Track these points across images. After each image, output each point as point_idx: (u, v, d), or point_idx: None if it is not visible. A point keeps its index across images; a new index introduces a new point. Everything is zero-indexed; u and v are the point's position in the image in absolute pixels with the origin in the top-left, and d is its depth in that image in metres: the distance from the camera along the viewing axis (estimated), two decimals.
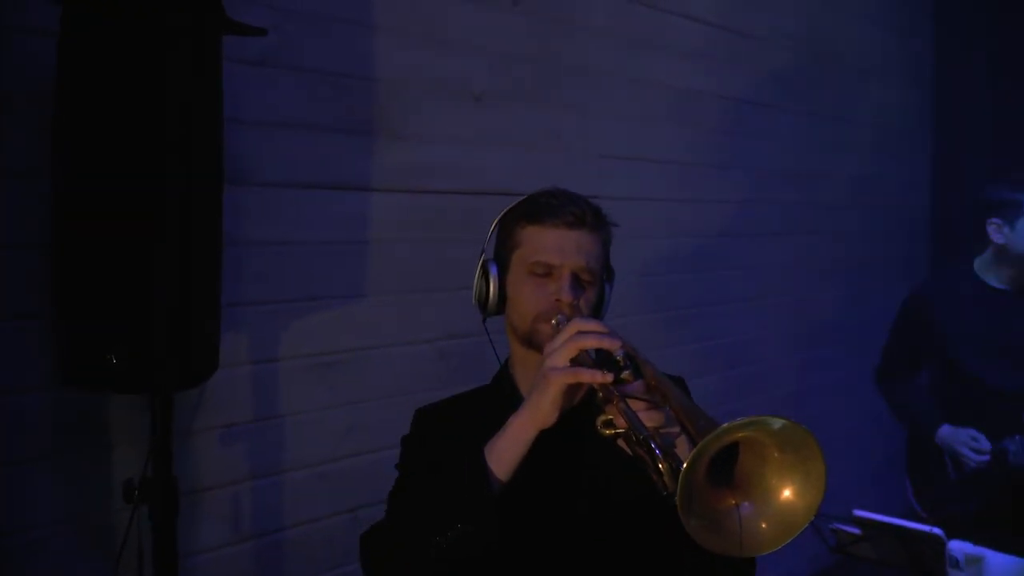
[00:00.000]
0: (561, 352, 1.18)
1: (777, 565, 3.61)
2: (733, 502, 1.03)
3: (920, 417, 2.78)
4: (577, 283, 1.35)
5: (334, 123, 2.17)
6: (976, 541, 2.06)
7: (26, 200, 1.61)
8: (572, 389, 1.18)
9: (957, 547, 1.79)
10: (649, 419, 1.11)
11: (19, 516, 1.67)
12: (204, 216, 1.55)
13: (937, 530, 1.82)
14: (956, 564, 1.78)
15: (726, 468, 1.06)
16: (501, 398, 1.41)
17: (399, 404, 2.27)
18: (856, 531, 1.96)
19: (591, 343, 1.18)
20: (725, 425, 0.96)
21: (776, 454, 1.02)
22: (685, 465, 0.96)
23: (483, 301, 1.41)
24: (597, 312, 1.42)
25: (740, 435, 1.01)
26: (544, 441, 1.20)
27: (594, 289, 1.39)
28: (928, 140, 4.84)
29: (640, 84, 3.06)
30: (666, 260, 3.22)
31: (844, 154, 4.15)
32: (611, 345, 1.17)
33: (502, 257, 1.43)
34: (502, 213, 1.44)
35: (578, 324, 1.21)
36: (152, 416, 1.57)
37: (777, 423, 0.99)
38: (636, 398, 1.13)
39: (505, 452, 1.19)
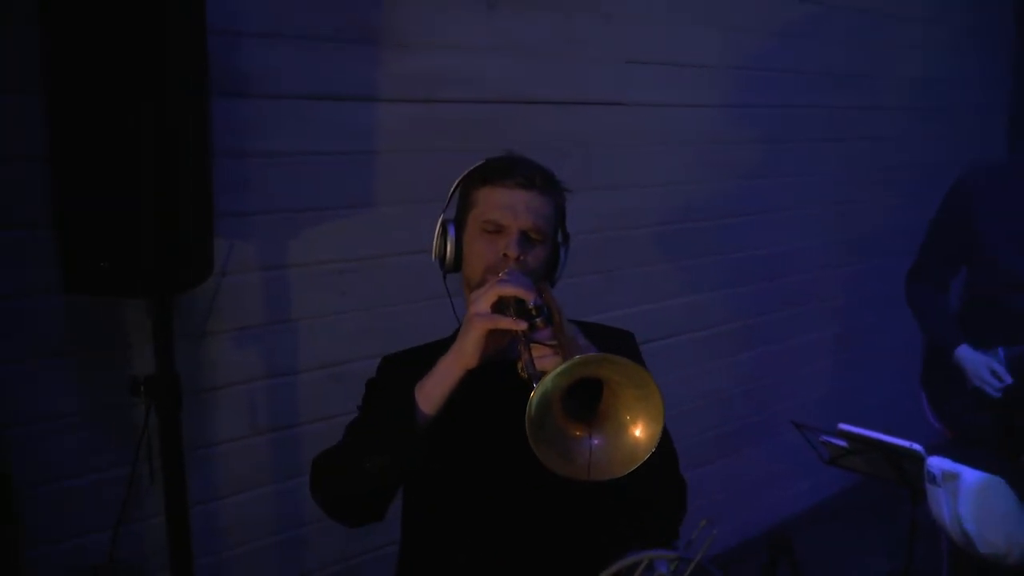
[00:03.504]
0: (483, 299, 1.28)
1: (784, 490, 3.66)
2: (586, 434, 1.16)
3: (940, 330, 2.69)
4: (526, 240, 1.44)
5: (336, 33, 2.19)
6: (990, 453, 2.03)
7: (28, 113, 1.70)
8: (493, 335, 1.26)
9: (935, 463, 1.78)
10: (547, 363, 1.19)
11: (39, 408, 1.84)
12: (189, 126, 1.61)
13: (917, 446, 1.81)
14: (933, 480, 1.77)
15: (591, 407, 1.18)
16: None
17: (410, 311, 2.37)
18: (843, 444, 1.97)
19: (508, 291, 1.27)
20: (567, 363, 1.08)
21: (630, 391, 1.13)
22: (533, 393, 1.07)
23: (441, 258, 1.51)
24: (551, 271, 1.52)
25: (584, 372, 1.12)
26: (477, 385, 1.30)
27: (544, 248, 1.47)
28: (1012, 34, 4.51)
29: None
30: (697, 168, 3.17)
31: (902, 53, 3.93)
32: (525, 295, 1.26)
33: (460, 217, 1.53)
34: (461, 176, 1.53)
35: (501, 275, 1.32)
36: (153, 319, 1.69)
37: (617, 360, 1.11)
38: (541, 343, 1.22)
39: (433, 389, 1.30)
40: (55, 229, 1.57)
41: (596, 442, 1.15)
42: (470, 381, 1.30)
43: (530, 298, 1.25)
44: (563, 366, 1.07)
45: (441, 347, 1.53)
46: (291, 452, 2.22)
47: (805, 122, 3.55)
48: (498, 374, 1.33)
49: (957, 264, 2.77)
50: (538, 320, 1.24)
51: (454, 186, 1.55)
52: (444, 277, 1.54)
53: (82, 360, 1.88)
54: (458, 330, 1.55)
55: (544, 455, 1.10)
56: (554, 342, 1.22)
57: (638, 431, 1.14)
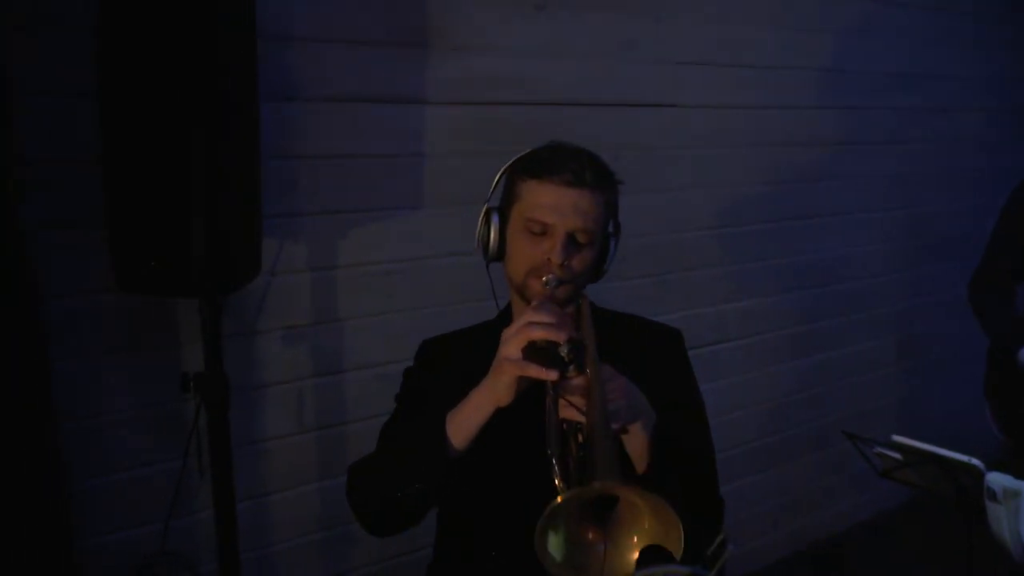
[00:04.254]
0: (512, 342, 1.22)
1: (837, 503, 3.55)
2: (600, 539, 1.06)
3: (1003, 329, 2.57)
4: (572, 243, 1.37)
5: (387, 36, 2.21)
6: None
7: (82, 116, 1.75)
8: (524, 378, 1.22)
9: (995, 479, 1.70)
10: (571, 413, 1.18)
11: (96, 402, 1.90)
12: (238, 129, 1.65)
13: (975, 460, 1.74)
14: (993, 496, 1.70)
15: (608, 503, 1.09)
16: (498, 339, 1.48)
17: (456, 312, 2.36)
18: (897, 456, 1.90)
19: (537, 334, 1.21)
20: (596, 485, 1.00)
21: (647, 522, 1.03)
22: (557, 500, 0.99)
23: (485, 246, 1.46)
24: (597, 272, 1.45)
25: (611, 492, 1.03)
26: (509, 409, 1.26)
27: (591, 250, 1.40)
28: None
29: None
30: (751, 171, 3.11)
31: (971, 53, 3.79)
32: (557, 336, 1.20)
33: (504, 207, 1.46)
34: (508, 163, 1.46)
35: (530, 315, 1.24)
36: (202, 317, 1.72)
37: (650, 499, 1.00)
38: (569, 398, 1.18)
39: (463, 423, 1.27)
40: (108, 230, 1.62)
41: (608, 551, 1.05)
42: (507, 409, 1.27)
43: (562, 338, 1.20)
44: (576, 490, 1.01)
45: (481, 332, 1.53)
46: (337, 450, 2.25)
47: (866, 124, 3.46)
48: (530, 389, 1.29)
49: (1022, 274, 2.66)
50: (571, 369, 1.19)
51: (499, 174, 1.48)
52: (487, 265, 1.49)
53: (137, 357, 1.94)
54: (500, 315, 1.55)
55: (550, 563, 1.01)
56: (579, 398, 1.18)
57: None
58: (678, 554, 1.00)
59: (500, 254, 1.45)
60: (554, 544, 1.02)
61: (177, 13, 1.52)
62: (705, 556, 1.10)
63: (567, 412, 1.18)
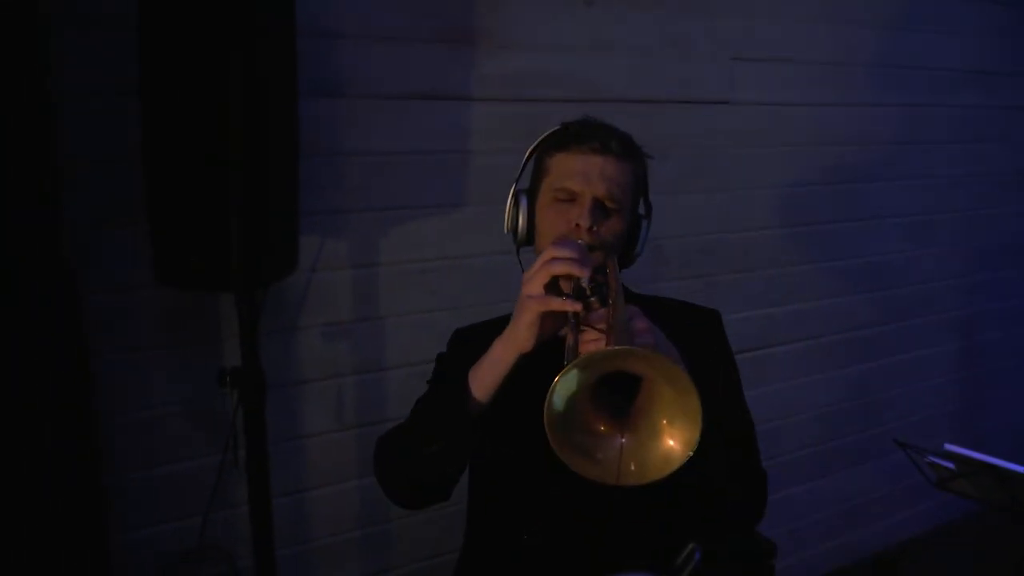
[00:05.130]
0: (535, 279, 1.19)
1: (892, 514, 3.43)
2: (617, 432, 1.05)
3: None
4: (601, 209, 1.34)
5: (432, 34, 2.19)
6: None
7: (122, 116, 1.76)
8: (549, 316, 1.17)
9: None
10: (593, 348, 1.11)
11: (137, 397, 1.92)
12: (277, 125, 1.64)
13: None
14: None
15: (628, 402, 1.07)
16: None
17: (498, 311, 2.33)
18: (951, 466, 1.82)
19: (559, 269, 1.18)
20: (582, 357, 1.00)
21: (665, 389, 1.02)
22: (552, 386, 0.97)
23: (514, 230, 1.43)
24: (631, 244, 1.42)
25: (609, 366, 1.02)
26: (536, 364, 1.21)
27: (621, 218, 1.37)
28: None
29: None
30: (807, 171, 3.01)
31: None
32: (580, 271, 1.17)
33: (533, 187, 1.44)
34: (535, 142, 1.44)
35: (552, 251, 1.20)
36: (239, 312, 1.73)
37: (643, 354, 1.00)
38: (591, 327, 1.12)
39: (486, 375, 1.23)
40: (148, 225, 1.62)
41: (626, 442, 1.04)
42: (528, 361, 1.21)
43: (585, 274, 1.15)
44: (579, 359, 0.99)
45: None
46: None
47: (930, 122, 3.33)
48: (558, 353, 1.24)
49: None
50: (592, 300, 1.14)
51: (528, 153, 1.46)
52: (517, 251, 1.46)
53: (179, 352, 1.95)
54: None
55: (566, 454, 1.01)
56: (603, 325, 1.12)
57: (673, 434, 1.02)
58: (697, 420, 1.00)
59: (530, 238, 1.42)
60: (569, 430, 1.02)
61: (215, 8, 1.52)
62: (674, 565, 1.07)
63: (590, 347, 1.11)
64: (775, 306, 3.01)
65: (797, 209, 3.01)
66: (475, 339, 1.47)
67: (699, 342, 1.41)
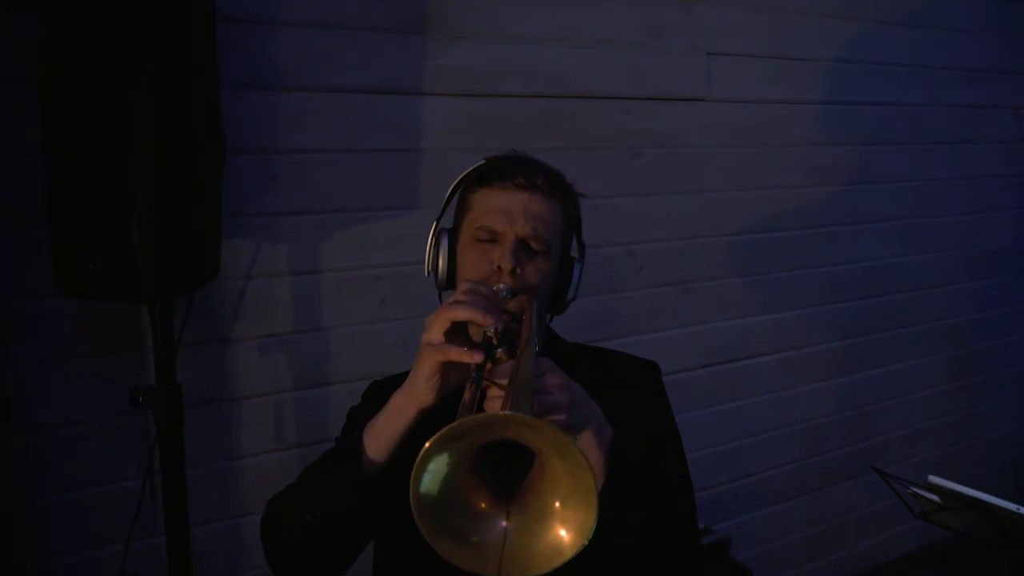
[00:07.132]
0: (434, 325, 1.05)
1: (880, 532, 3.28)
2: (501, 513, 0.88)
3: None
4: (525, 250, 1.22)
5: (382, 21, 2.04)
6: None
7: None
8: (452, 367, 1.04)
9: None
10: (495, 406, 0.97)
11: (55, 415, 1.76)
12: (193, 118, 1.49)
13: (1023, 509, 1.50)
14: None
15: (518, 477, 0.91)
16: None
17: None
18: (935, 499, 1.66)
19: (460, 314, 1.04)
20: (450, 426, 0.82)
21: (556, 463, 0.84)
22: (420, 453, 0.81)
23: (435, 272, 1.31)
24: (563, 289, 1.30)
25: (487, 436, 0.85)
26: (441, 420, 1.04)
27: (548, 259, 1.25)
28: None
29: None
30: (789, 172, 2.86)
31: None
32: (482, 319, 1.03)
33: (455, 225, 1.32)
34: (458, 178, 1.32)
35: (456, 295, 1.08)
36: (152, 323, 1.57)
37: (524, 421, 0.82)
38: (494, 384, 0.98)
39: (382, 432, 1.10)
40: (51, 229, 1.46)
41: (511, 525, 0.87)
42: (435, 416, 1.06)
43: (488, 322, 1.02)
44: (444, 430, 0.82)
45: None
46: None
47: (918, 122, 3.18)
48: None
49: None
50: (499, 351, 1.00)
51: (450, 190, 1.34)
52: (440, 295, 1.33)
53: (96, 366, 1.80)
54: None
55: (440, 542, 0.85)
56: (505, 381, 0.97)
57: (567, 519, 0.85)
58: (592, 503, 0.82)
59: (451, 282, 1.29)
60: (443, 512, 0.85)
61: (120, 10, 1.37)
62: None
63: (491, 405, 0.98)
64: (756, 315, 2.85)
65: (779, 212, 2.86)
66: (391, 391, 1.32)
67: (634, 396, 1.27)
